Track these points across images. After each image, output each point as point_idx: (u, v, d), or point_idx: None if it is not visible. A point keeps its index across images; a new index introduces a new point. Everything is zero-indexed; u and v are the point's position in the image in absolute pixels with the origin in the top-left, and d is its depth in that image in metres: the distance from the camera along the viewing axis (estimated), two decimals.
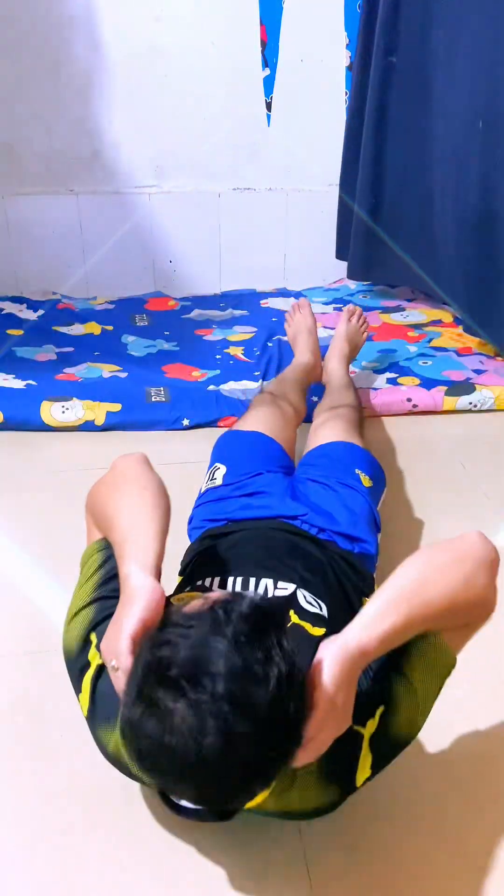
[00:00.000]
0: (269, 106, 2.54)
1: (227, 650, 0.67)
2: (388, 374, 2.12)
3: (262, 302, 2.64)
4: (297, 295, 2.70)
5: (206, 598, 0.75)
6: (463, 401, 2.00)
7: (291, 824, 0.98)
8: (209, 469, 1.41)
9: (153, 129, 2.50)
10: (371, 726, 0.83)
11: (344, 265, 2.79)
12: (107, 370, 2.11)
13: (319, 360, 1.94)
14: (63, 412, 1.90)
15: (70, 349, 2.26)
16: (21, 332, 2.36)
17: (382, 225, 2.44)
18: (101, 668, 0.87)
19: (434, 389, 2.02)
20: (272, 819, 0.92)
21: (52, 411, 1.89)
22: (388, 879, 0.93)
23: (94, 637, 0.90)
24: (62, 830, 0.98)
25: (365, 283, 2.73)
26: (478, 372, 2.13)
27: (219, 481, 1.35)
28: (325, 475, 1.35)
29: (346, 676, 0.77)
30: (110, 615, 0.86)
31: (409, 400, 1.99)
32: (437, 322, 2.48)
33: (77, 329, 2.41)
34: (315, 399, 1.86)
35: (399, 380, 2.09)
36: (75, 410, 1.90)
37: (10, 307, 2.50)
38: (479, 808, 1.02)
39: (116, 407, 1.92)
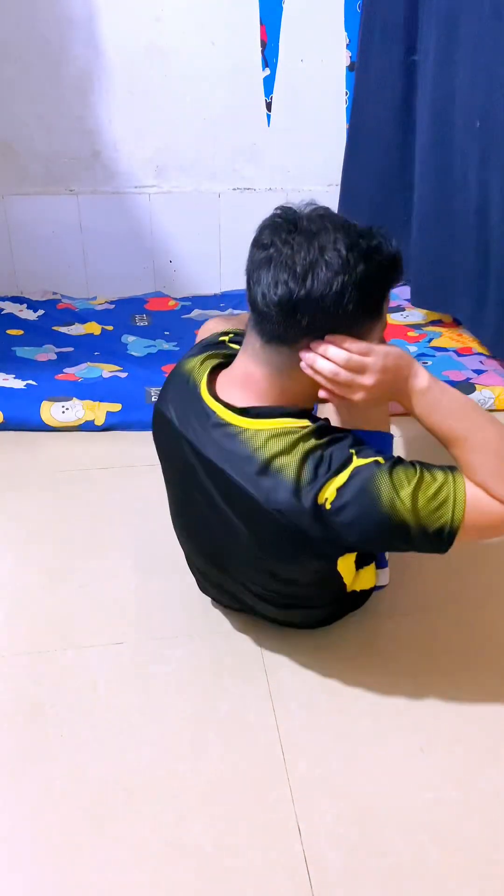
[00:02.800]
0: (269, 106, 2.54)
1: (333, 217, 0.97)
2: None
3: None
4: None
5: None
6: None
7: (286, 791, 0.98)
8: None
9: (153, 129, 2.50)
10: (361, 461, 0.94)
11: None
12: (107, 370, 2.11)
13: None
14: (63, 412, 1.90)
15: (70, 349, 2.26)
16: (21, 332, 2.36)
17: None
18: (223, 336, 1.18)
19: None
20: (269, 801, 0.92)
21: (52, 411, 1.89)
22: (389, 879, 0.93)
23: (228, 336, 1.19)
24: (62, 830, 0.98)
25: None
26: (478, 372, 2.13)
27: None
28: None
29: (400, 360, 0.98)
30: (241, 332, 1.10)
31: None
32: (437, 322, 2.48)
33: (77, 329, 2.41)
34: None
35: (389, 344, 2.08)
36: (75, 410, 1.90)
37: (10, 307, 2.50)
38: (479, 809, 1.02)
39: (116, 407, 1.92)
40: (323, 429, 0.99)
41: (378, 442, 1.45)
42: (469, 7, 1.90)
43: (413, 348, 2.29)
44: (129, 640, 1.26)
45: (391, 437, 1.47)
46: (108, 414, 1.91)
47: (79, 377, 2.06)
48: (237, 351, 1.08)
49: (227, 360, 1.09)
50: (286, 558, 1.02)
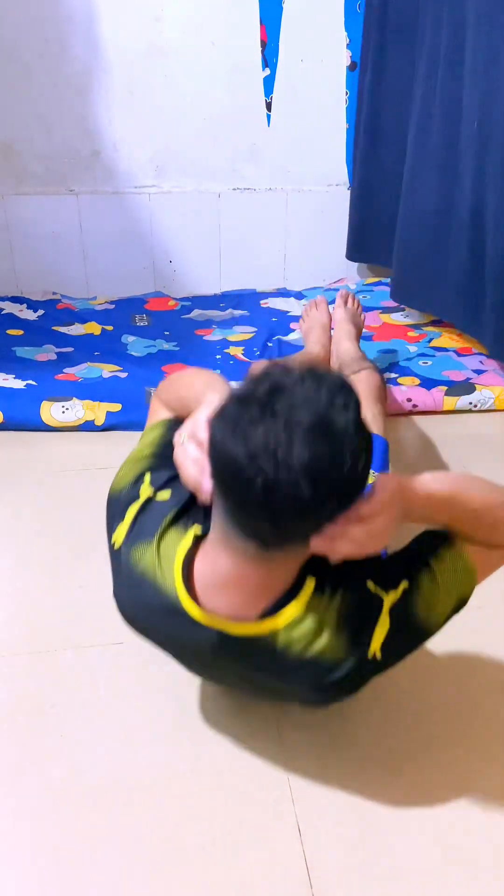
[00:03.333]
0: (269, 106, 2.54)
1: (313, 385, 0.73)
2: (389, 374, 2.12)
3: (262, 302, 2.64)
4: (298, 295, 2.70)
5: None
6: (463, 401, 2.00)
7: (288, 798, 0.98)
8: None
9: (153, 129, 2.50)
10: (393, 596, 0.87)
11: (344, 265, 2.80)
12: (107, 370, 2.11)
13: (329, 355, 1.96)
14: (63, 412, 1.90)
15: (70, 349, 2.26)
16: (21, 332, 2.36)
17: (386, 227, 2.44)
18: (149, 501, 0.93)
19: (434, 389, 2.02)
20: (270, 801, 0.92)
21: (52, 411, 1.89)
22: (389, 880, 0.93)
23: (148, 476, 0.96)
24: (62, 830, 0.98)
25: (373, 280, 2.73)
26: (478, 372, 2.13)
27: None
28: None
29: (399, 494, 0.84)
30: (173, 476, 0.93)
31: (409, 400, 2.00)
32: (437, 322, 2.48)
33: (77, 329, 2.41)
34: None
35: (399, 380, 2.09)
36: (75, 410, 1.90)
37: (10, 307, 2.50)
38: (479, 809, 1.02)
39: (116, 407, 1.92)
40: (333, 578, 0.86)
41: (378, 446, 1.45)
42: (471, 8, 1.90)
43: (413, 348, 2.29)
44: (129, 640, 1.26)
45: (386, 443, 1.48)
46: (108, 414, 1.91)
47: (79, 377, 2.06)
48: (175, 504, 0.91)
49: (181, 535, 0.89)
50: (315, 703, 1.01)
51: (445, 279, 2.18)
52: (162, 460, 0.97)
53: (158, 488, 0.94)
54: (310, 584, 0.85)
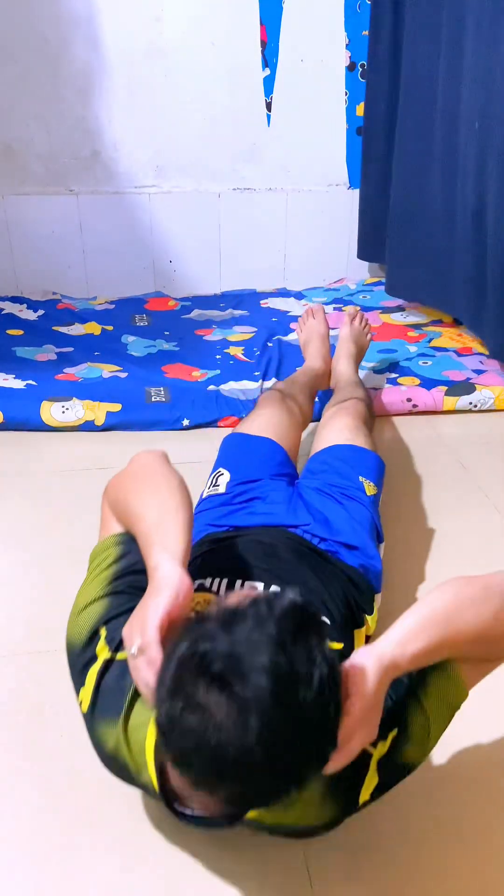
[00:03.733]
0: (269, 106, 2.54)
1: (272, 648, 0.65)
2: (388, 374, 2.12)
3: (262, 302, 2.64)
4: (298, 295, 2.70)
5: (244, 595, 0.73)
6: (463, 401, 2.00)
7: None
8: (212, 473, 1.40)
9: (153, 129, 2.50)
10: (381, 748, 0.83)
11: (344, 265, 2.80)
12: (107, 370, 2.11)
13: (329, 367, 1.93)
14: (63, 412, 1.90)
15: (70, 349, 2.26)
16: (21, 332, 2.36)
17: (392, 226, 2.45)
18: (108, 663, 0.86)
19: (434, 389, 2.02)
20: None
21: (52, 411, 1.89)
22: (389, 880, 0.93)
23: (103, 631, 0.88)
24: (62, 830, 0.98)
25: (372, 280, 2.73)
26: (478, 372, 2.13)
27: (222, 489, 1.33)
28: (328, 484, 1.34)
29: (379, 690, 0.76)
30: (126, 611, 0.85)
31: (409, 400, 2.00)
32: (437, 322, 2.48)
33: (77, 329, 2.41)
34: (316, 400, 1.86)
35: (399, 380, 2.09)
36: (75, 410, 1.90)
37: (10, 307, 2.50)
38: (480, 810, 1.02)
39: (116, 407, 1.92)
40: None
41: (372, 461, 1.44)
42: (472, 9, 1.90)
43: (413, 348, 2.29)
44: None
45: (381, 461, 1.46)
46: (108, 414, 1.91)
47: (79, 377, 2.06)
48: (130, 680, 0.81)
49: (146, 712, 0.81)
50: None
51: (439, 269, 2.20)
52: (116, 603, 0.90)
53: (116, 649, 0.86)
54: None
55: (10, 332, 2.35)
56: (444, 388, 2.03)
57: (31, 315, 2.48)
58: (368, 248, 2.64)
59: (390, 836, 0.98)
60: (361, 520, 1.26)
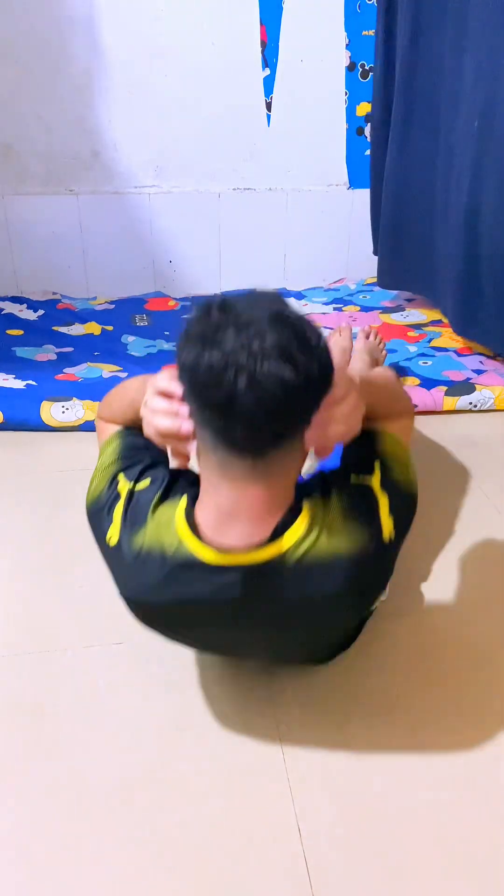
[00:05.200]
0: (269, 106, 2.54)
1: (254, 294, 0.82)
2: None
3: None
4: (298, 295, 2.71)
5: None
6: (463, 401, 2.00)
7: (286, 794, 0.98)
8: None
9: (153, 129, 2.50)
10: (375, 476, 0.95)
11: (344, 265, 2.80)
12: (107, 370, 2.11)
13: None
14: (63, 412, 1.90)
15: (70, 349, 2.26)
16: (21, 332, 2.36)
17: (392, 225, 2.45)
18: (131, 495, 0.95)
19: (434, 389, 2.02)
20: (270, 801, 0.92)
21: (52, 411, 1.89)
22: (389, 880, 0.93)
23: (121, 476, 0.97)
24: (62, 829, 0.98)
25: (371, 280, 2.73)
26: (478, 372, 2.13)
27: None
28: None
29: (353, 378, 0.92)
30: (137, 462, 0.97)
31: None
32: (437, 322, 2.48)
33: (77, 329, 2.41)
34: None
35: (399, 380, 2.09)
36: (75, 410, 1.90)
37: (10, 307, 2.50)
38: (479, 809, 1.02)
39: None
40: (321, 482, 0.93)
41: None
42: (474, 6, 1.90)
43: (413, 348, 2.29)
44: (129, 640, 1.26)
45: None
46: None
47: (79, 377, 2.06)
48: (158, 484, 0.93)
49: (177, 501, 0.91)
50: (350, 619, 1.08)
51: (430, 260, 2.23)
52: (129, 461, 0.99)
53: (136, 481, 0.96)
54: (306, 503, 0.89)
55: (10, 332, 2.35)
56: (444, 388, 2.03)
57: (31, 315, 2.48)
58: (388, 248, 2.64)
59: (389, 832, 0.98)
60: None
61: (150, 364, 2.17)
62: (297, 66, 2.49)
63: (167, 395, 0.89)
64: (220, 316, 0.76)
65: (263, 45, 2.45)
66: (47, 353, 2.22)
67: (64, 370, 2.10)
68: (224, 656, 1.18)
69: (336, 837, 0.97)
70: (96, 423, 1.16)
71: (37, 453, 1.82)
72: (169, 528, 0.90)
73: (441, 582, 1.40)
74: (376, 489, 0.94)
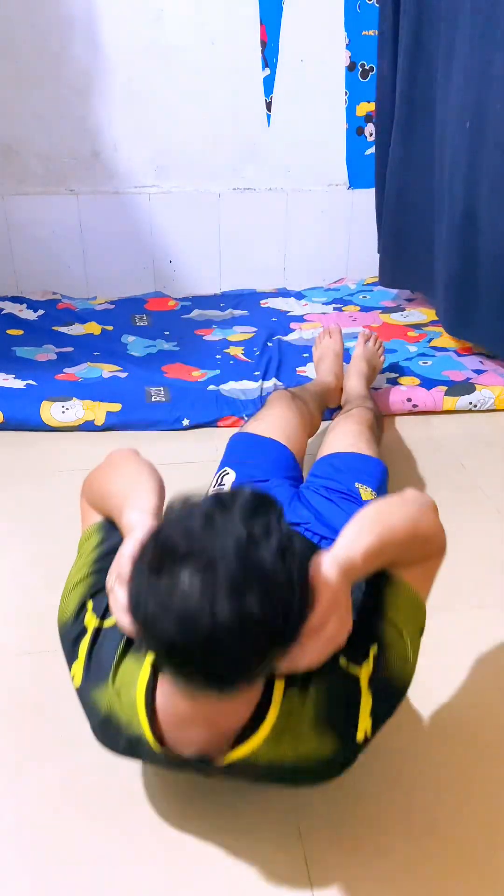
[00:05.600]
0: (269, 106, 2.54)
1: (233, 522, 0.69)
2: (388, 374, 2.12)
3: (262, 302, 2.64)
4: (298, 295, 2.71)
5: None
6: (463, 401, 2.00)
7: (290, 808, 0.98)
8: (218, 472, 1.40)
9: (153, 129, 2.50)
10: (367, 667, 0.85)
11: (344, 265, 2.80)
12: (107, 370, 2.11)
13: (341, 384, 1.93)
14: (63, 412, 1.90)
15: (70, 349, 2.26)
16: (21, 332, 2.36)
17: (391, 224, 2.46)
18: (97, 632, 0.89)
19: (434, 389, 2.02)
20: (270, 798, 0.91)
21: (52, 411, 1.89)
22: (389, 880, 0.93)
23: (90, 604, 0.92)
24: (62, 830, 0.98)
25: (372, 279, 2.73)
26: (478, 372, 2.13)
27: (227, 488, 1.34)
28: (326, 487, 1.36)
29: (344, 584, 0.81)
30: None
31: (409, 400, 2.00)
32: (437, 322, 2.48)
33: (77, 329, 2.41)
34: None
35: (399, 380, 2.09)
36: (75, 410, 1.90)
37: (10, 307, 2.50)
38: (478, 808, 1.02)
39: (116, 407, 1.92)
40: (292, 680, 0.82)
41: (374, 467, 1.44)
42: (466, 7, 1.90)
43: (413, 348, 2.29)
44: None
45: (384, 467, 1.47)
46: (108, 414, 1.91)
47: (79, 377, 2.06)
48: (123, 636, 0.87)
49: (136, 669, 0.85)
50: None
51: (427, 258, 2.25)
52: (100, 578, 0.92)
53: (103, 616, 0.90)
54: (278, 690, 0.81)
55: (10, 332, 2.35)
56: (444, 388, 2.03)
57: (31, 315, 2.48)
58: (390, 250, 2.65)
59: (389, 832, 0.98)
60: None
61: (150, 364, 2.17)
62: (297, 66, 2.48)
63: None
64: (174, 559, 0.68)
65: (263, 45, 2.45)
66: (47, 353, 2.22)
67: (64, 370, 2.10)
68: None
69: (336, 837, 0.97)
70: (80, 502, 1.11)
71: (37, 453, 1.82)
72: (130, 707, 0.83)
73: (441, 581, 1.39)
74: (363, 685, 0.84)
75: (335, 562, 0.82)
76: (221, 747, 0.82)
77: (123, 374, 2.09)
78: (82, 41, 2.35)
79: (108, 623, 0.89)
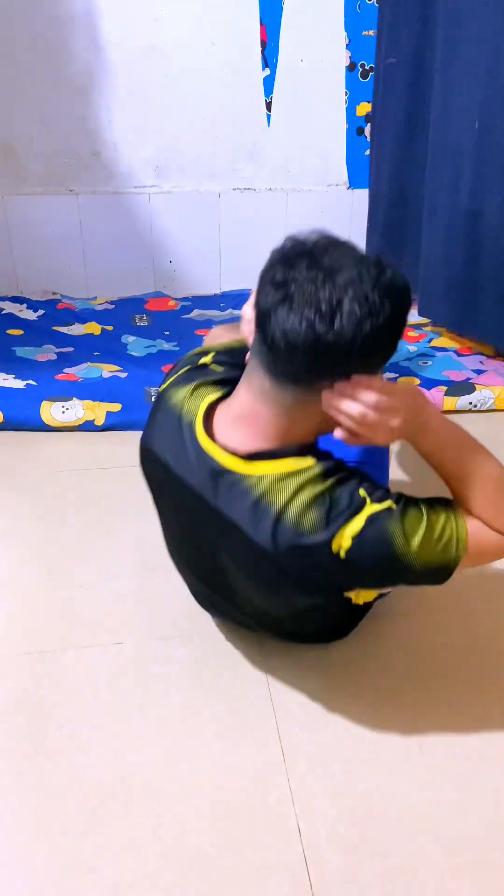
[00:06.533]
0: (269, 106, 2.54)
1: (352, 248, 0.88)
2: (388, 374, 2.12)
3: None
4: None
5: None
6: (463, 401, 2.00)
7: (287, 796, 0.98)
8: None
9: (153, 129, 2.50)
10: (376, 507, 0.91)
11: None
12: (107, 370, 2.11)
13: None
14: (63, 412, 1.90)
15: (70, 349, 2.26)
16: (21, 332, 2.36)
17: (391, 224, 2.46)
18: (203, 365, 1.08)
19: (434, 389, 2.02)
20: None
21: (52, 411, 1.89)
22: (389, 880, 0.93)
23: (211, 354, 1.10)
24: (62, 830, 0.98)
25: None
26: (478, 372, 2.13)
27: None
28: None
29: (417, 398, 0.94)
30: (234, 363, 1.06)
31: None
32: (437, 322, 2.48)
33: (77, 329, 2.41)
34: None
35: (399, 380, 2.09)
36: (75, 410, 1.90)
37: (10, 307, 2.50)
38: (479, 809, 1.02)
39: (116, 407, 1.92)
40: (329, 468, 0.93)
41: (376, 455, 1.44)
42: (473, 8, 1.90)
43: (413, 348, 2.29)
44: (129, 640, 1.26)
45: (387, 451, 1.46)
46: (108, 414, 1.91)
47: (79, 377, 2.06)
48: (223, 376, 1.04)
49: (219, 390, 1.01)
50: (294, 595, 0.99)
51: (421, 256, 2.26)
52: (227, 356, 1.09)
53: (216, 362, 1.08)
54: (309, 459, 0.93)
55: (10, 332, 2.35)
56: (444, 388, 2.03)
57: (31, 315, 2.48)
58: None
59: (388, 833, 0.98)
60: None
61: (150, 364, 2.17)
62: (297, 66, 2.48)
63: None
64: (299, 262, 0.88)
65: (263, 45, 2.44)
66: (47, 353, 2.22)
67: (64, 370, 2.10)
68: (201, 582, 1.18)
69: (336, 837, 0.97)
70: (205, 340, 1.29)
71: (37, 453, 1.82)
72: (195, 403, 1.00)
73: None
74: (363, 513, 0.90)
75: (421, 394, 0.95)
76: (247, 450, 0.94)
77: (123, 374, 2.09)
78: (82, 41, 2.35)
79: (214, 367, 1.07)
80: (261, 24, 2.41)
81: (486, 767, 1.07)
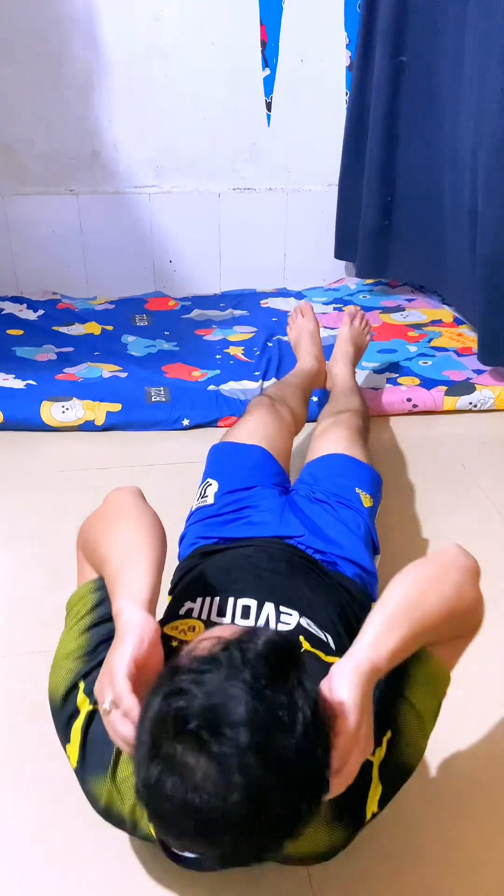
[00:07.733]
0: (269, 106, 2.54)
1: (248, 697, 0.62)
2: (388, 374, 2.12)
3: (262, 302, 2.64)
4: (298, 295, 2.70)
5: (216, 638, 0.69)
6: (463, 401, 2.00)
7: None
8: (201, 484, 1.35)
9: (153, 129, 2.50)
10: (379, 754, 0.81)
11: (343, 265, 2.80)
12: (107, 370, 2.11)
13: (323, 366, 1.88)
14: (63, 412, 1.90)
15: (70, 349, 2.26)
16: (21, 332, 2.36)
17: (391, 222, 2.46)
18: (92, 714, 0.84)
19: (434, 389, 2.02)
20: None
21: (52, 411, 1.89)
22: (389, 881, 0.93)
23: (81, 684, 0.86)
24: (62, 830, 0.98)
25: (371, 280, 2.74)
26: (478, 372, 2.13)
27: (210, 499, 1.29)
28: (324, 493, 1.31)
29: (365, 699, 0.73)
30: (102, 662, 0.80)
31: (409, 400, 2.00)
32: (437, 322, 2.49)
33: (77, 329, 2.41)
34: (315, 399, 1.86)
35: (399, 380, 2.09)
36: (75, 410, 1.90)
37: (10, 307, 2.50)
38: (476, 811, 1.02)
39: (116, 407, 1.92)
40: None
41: (365, 472, 1.40)
42: (478, 7, 1.90)
43: (413, 348, 2.29)
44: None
45: (377, 476, 1.42)
46: (108, 414, 1.91)
47: (79, 377, 2.06)
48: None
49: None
50: None
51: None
52: (91, 656, 0.87)
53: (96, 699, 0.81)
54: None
55: (10, 332, 2.35)
56: (444, 387, 2.03)
57: (31, 315, 2.48)
58: (344, 248, 2.66)
59: (389, 833, 0.98)
60: (356, 528, 1.23)
61: (150, 364, 2.17)
62: (297, 66, 2.48)
63: (128, 713, 0.72)
64: (190, 733, 0.62)
65: (263, 45, 2.45)
66: (47, 353, 2.22)
67: (64, 370, 2.10)
68: None
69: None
70: (76, 552, 1.06)
71: (37, 453, 1.82)
72: (132, 796, 0.80)
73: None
74: (374, 773, 0.80)
75: (357, 672, 0.74)
76: None
77: (123, 374, 2.09)
78: (82, 41, 2.35)
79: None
80: (261, 24, 2.41)
81: (486, 760, 1.07)
